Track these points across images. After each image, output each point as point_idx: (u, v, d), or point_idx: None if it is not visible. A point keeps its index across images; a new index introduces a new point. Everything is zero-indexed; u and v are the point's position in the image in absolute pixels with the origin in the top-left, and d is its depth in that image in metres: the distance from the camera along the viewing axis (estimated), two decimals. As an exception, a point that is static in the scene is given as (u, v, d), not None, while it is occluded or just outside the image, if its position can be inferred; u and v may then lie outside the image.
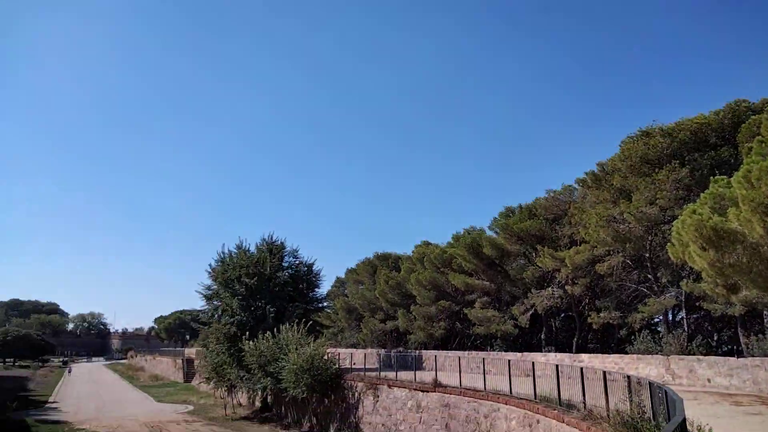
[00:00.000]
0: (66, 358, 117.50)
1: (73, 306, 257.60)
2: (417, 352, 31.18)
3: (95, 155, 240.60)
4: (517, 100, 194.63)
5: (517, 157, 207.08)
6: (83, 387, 54.29)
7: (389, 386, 22.12)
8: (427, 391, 19.77)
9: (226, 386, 32.73)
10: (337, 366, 26.81)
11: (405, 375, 22.34)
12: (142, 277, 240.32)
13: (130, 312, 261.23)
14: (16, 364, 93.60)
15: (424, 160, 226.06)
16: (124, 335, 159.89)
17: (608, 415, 11.41)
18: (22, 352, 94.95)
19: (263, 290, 33.08)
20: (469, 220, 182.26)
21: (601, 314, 25.61)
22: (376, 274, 46.82)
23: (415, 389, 20.50)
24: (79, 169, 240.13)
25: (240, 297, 32.75)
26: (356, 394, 24.25)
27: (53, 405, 38.84)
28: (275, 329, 29.25)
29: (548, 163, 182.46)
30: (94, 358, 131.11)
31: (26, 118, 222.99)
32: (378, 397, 22.59)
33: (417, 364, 24.71)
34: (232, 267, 33.95)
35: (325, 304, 37.64)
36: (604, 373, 12.59)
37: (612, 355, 21.56)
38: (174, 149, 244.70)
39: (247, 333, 30.34)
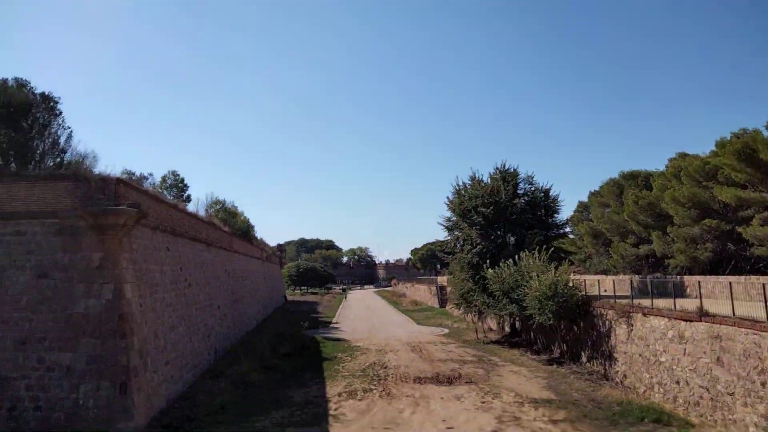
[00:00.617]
0: (345, 287, 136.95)
1: (345, 242, 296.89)
2: (678, 278, 27.88)
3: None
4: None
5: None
6: (358, 311, 62.78)
7: (644, 314, 20.28)
8: (691, 321, 17.55)
9: (475, 312, 34.21)
10: (582, 293, 25.63)
11: (662, 303, 20.16)
12: (399, 212, 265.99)
13: (390, 245, 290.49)
14: (309, 291, 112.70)
15: (676, 56, 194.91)
16: (387, 265, 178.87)
17: None
18: (311, 282, 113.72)
19: (500, 219, 33.03)
20: (735, 122, 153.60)
21: None
22: (623, 195, 42.84)
23: (675, 318, 18.39)
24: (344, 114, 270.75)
25: (478, 227, 33.30)
26: (607, 322, 22.92)
27: (336, 325, 45.82)
28: (515, 257, 29.15)
29: None
30: (366, 286, 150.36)
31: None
32: (632, 325, 20.97)
33: (678, 292, 22.01)
34: (467, 198, 34.55)
35: (567, 230, 36.01)
36: None
37: None
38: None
39: (488, 261, 30.85)
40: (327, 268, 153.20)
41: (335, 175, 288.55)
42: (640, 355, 20.07)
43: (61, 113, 23.17)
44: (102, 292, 17.09)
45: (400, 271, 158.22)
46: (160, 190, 39.51)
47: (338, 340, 35.71)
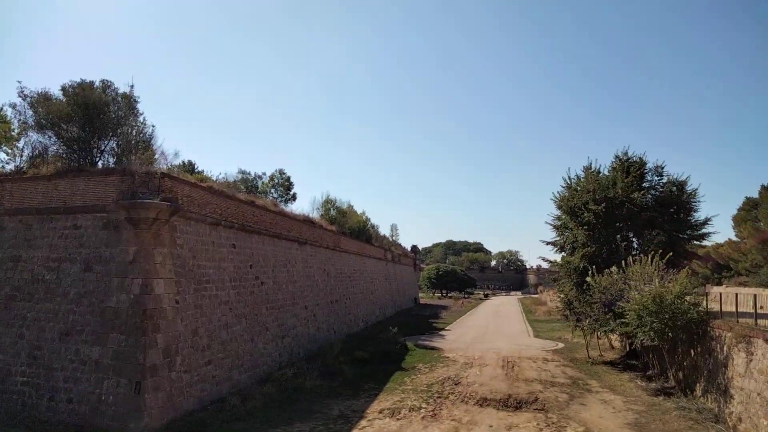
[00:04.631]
0: (488, 292, 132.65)
1: (494, 245, 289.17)
2: None
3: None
4: None
5: None
6: (481, 318, 59.36)
7: (766, 340, 15.19)
8: (824, 355, 12.56)
9: (581, 326, 29.61)
10: (702, 309, 20.43)
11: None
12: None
13: (544, 249, 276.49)
14: (447, 295, 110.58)
15: None
16: (538, 271, 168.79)
17: None
18: (451, 285, 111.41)
19: (614, 217, 28.15)
20: None
21: None
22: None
23: (805, 350, 13.39)
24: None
25: (586, 227, 28.75)
26: (724, 348, 17.81)
27: (444, 332, 43.32)
28: (624, 262, 24.35)
29: None
30: (512, 292, 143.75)
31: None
32: (752, 354, 15.88)
33: None
34: (578, 193, 30.14)
35: (707, 231, 29.43)
36: None
37: None
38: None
39: (594, 267, 26.26)
40: (473, 271, 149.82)
41: (489, 175, 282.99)
42: (758, 394, 15.05)
43: (140, 112, 24.34)
44: (132, 287, 17.22)
45: (552, 277, 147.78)
46: (266, 188, 40.78)
47: (432, 348, 33.38)
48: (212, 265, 21.52)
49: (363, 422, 17.16)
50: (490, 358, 29.67)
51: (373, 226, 58.79)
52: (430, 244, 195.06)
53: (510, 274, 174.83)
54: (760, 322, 17.33)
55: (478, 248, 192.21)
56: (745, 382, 15.95)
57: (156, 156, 22.55)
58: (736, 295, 21.47)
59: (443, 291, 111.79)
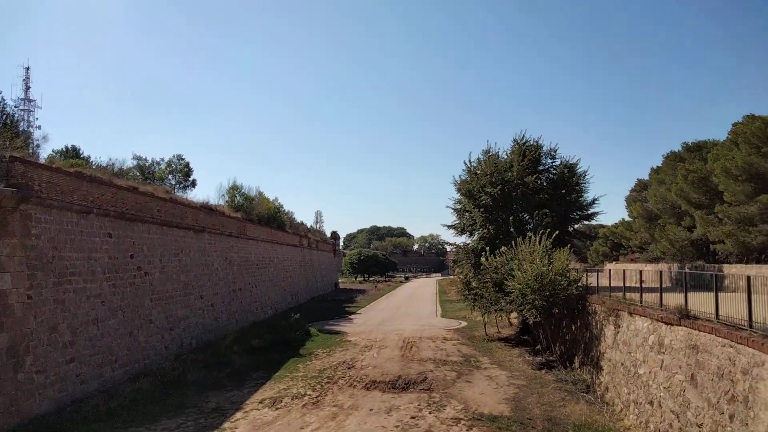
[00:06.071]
0: (408, 275, 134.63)
1: (418, 229, 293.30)
2: (715, 267, 22.56)
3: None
4: None
5: None
6: (395, 300, 59.88)
7: (630, 314, 15.78)
8: (671, 324, 13.10)
9: (477, 305, 30.20)
10: (579, 284, 21.19)
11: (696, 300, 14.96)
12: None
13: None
14: (369, 279, 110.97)
15: None
16: (457, 253, 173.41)
17: None
18: (373, 270, 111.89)
19: (509, 199, 28.76)
20: None
21: None
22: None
23: (657, 320, 13.92)
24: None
25: (483, 209, 29.24)
26: (598, 322, 18.51)
27: (354, 316, 43.10)
28: (515, 242, 24.91)
29: None
30: (432, 274, 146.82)
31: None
32: (619, 327, 16.53)
33: (718, 284, 17.12)
34: (477, 176, 30.56)
35: (595, 210, 30.77)
36: None
37: None
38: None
39: (489, 248, 26.76)
40: (396, 255, 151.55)
41: (410, 161, 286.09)
42: (622, 364, 15.68)
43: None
44: (-29, 283, 15.42)
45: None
46: (164, 175, 38.60)
47: (336, 333, 32.99)
48: (80, 256, 19.79)
49: (238, 414, 16.39)
50: (390, 340, 29.65)
51: (286, 213, 57.46)
52: (355, 230, 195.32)
53: (431, 257, 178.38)
54: (642, 296, 17.85)
55: (402, 233, 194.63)
56: (613, 354, 16.58)
57: (13, 140, 20.37)
58: (609, 270, 22.48)
59: (365, 275, 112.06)
